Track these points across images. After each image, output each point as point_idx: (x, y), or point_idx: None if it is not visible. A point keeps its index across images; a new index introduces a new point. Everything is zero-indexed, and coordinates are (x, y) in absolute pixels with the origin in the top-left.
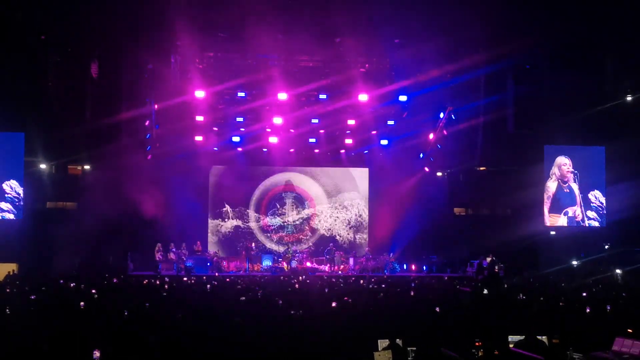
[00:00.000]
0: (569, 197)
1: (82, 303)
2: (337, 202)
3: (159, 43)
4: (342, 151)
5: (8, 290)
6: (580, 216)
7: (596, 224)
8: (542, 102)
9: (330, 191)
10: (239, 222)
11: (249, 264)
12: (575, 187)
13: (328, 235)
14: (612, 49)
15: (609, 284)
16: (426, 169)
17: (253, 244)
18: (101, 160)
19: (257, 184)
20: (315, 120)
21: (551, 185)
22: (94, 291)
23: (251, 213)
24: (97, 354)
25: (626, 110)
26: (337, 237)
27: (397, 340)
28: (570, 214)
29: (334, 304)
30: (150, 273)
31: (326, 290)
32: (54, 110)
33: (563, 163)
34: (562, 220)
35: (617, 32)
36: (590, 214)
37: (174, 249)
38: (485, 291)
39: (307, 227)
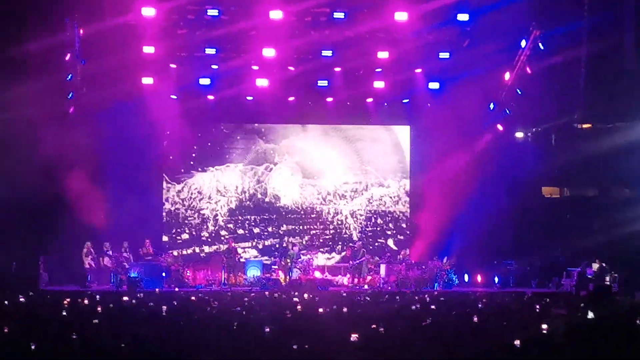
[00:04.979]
0: None
1: None
2: (361, 179)
3: None
4: (370, 100)
5: None
6: None
7: None
8: None
9: (351, 161)
10: (210, 209)
11: (227, 274)
12: None
13: (347, 229)
14: None
15: None
16: (499, 127)
17: (233, 243)
18: None
19: (239, 148)
20: (327, 52)
21: None
22: None
23: (228, 195)
24: None
25: None
26: (362, 233)
27: None
28: None
29: (355, 336)
30: (75, 288)
31: (344, 312)
32: None
33: None
34: None
35: None
36: None
37: (110, 251)
38: (591, 314)
39: (314, 217)
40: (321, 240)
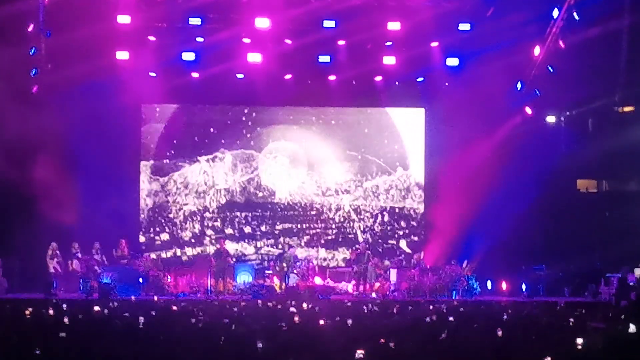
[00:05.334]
0: None
1: None
2: (367, 169)
3: None
4: (378, 78)
5: None
6: None
7: None
8: None
9: (357, 149)
10: (195, 205)
11: (213, 280)
12: None
13: (352, 228)
14: None
15: None
16: (528, 110)
17: (224, 243)
18: None
19: (228, 134)
20: (330, 23)
21: None
22: None
23: (216, 188)
24: None
25: None
26: (369, 233)
27: None
28: None
29: (361, 352)
30: (39, 295)
31: (349, 325)
32: None
33: None
34: None
35: None
36: None
37: (79, 253)
38: (633, 328)
39: (314, 214)
40: (323, 242)
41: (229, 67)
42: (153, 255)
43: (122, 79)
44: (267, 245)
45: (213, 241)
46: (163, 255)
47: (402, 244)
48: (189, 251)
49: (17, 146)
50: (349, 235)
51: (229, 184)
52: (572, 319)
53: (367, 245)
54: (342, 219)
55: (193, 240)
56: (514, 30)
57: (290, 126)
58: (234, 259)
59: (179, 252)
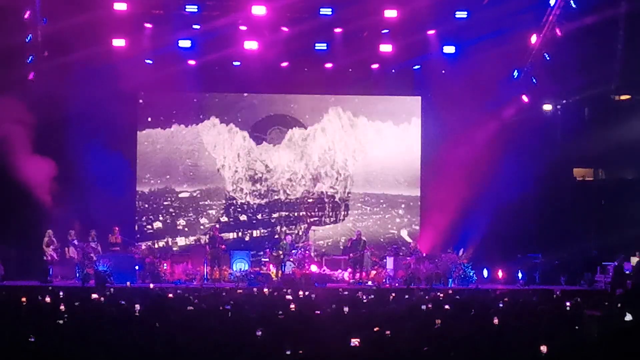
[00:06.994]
0: None
1: None
2: (364, 157)
3: None
4: (375, 66)
5: None
6: None
7: None
8: None
9: (353, 137)
10: (190, 192)
11: (209, 268)
12: None
13: (349, 214)
14: None
15: None
16: (524, 99)
17: (218, 231)
18: None
19: (224, 121)
20: (326, 11)
21: None
22: None
23: (213, 175)
24: None
25: None
26: (364, 221)
27: None
28: None
29: (356, 340)
30: (36, 283)
31: (345, 313)
32: None
33: None
34: None
35: None
36: None
37: (75, 240)
38: (629, 317)
39: (311, 202)
40: (319, 230)
41: (226, 55)
42: (144, 245)
43: (119, 66)
44: (264, 234)
45: (207, 230)
46: (156, 245)
47: (403, 233)
48: (182, 241)
49: (12, 132)
50: (347, 223)
51: (224, 171)
52: (568, 307)
53: (360, 235)
54: (339, 206)
55: (187, 229)
56: (510, 18)
57: (287, 113)
58: (226, 247)
59: (170, 242)
